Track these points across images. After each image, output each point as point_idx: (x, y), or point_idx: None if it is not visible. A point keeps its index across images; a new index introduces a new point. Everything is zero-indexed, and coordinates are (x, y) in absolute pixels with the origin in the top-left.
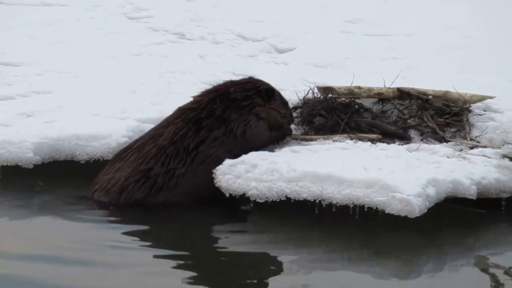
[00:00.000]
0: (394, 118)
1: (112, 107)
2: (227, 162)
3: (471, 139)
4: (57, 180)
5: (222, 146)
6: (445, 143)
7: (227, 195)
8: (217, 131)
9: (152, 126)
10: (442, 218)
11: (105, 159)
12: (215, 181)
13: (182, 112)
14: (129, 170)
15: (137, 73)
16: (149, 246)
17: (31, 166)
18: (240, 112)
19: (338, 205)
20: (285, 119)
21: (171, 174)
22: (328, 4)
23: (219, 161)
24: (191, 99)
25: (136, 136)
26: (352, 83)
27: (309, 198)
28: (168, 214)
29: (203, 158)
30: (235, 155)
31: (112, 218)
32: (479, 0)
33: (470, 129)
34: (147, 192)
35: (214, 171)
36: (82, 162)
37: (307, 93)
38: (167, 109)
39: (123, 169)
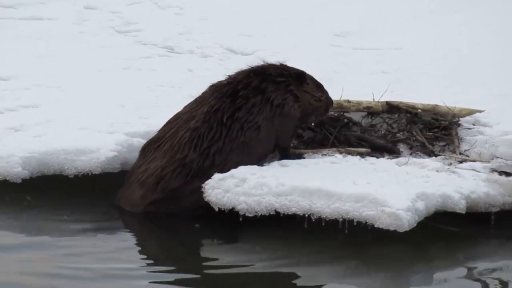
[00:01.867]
0: (383, 132)
1: (101, 121)
2: (216, 176)
3: (460, 153)
4: (45, 194)
5: (261, 114)
6: (434, 157)
7: (216, 209)
8: (254, 99)
9: (140, 140)
10: (432, 232)
11: (93, 173)
12: (204, 196)
13: (215, 89)
14: (165, 160)
15: (126, 87)
16: (135, 260)
17: (19, 181)
18: (277, 86)
19: (327, 219)
20: (321, 102)
21: (205, 155)
22: (317, 17)
23: (259, 129)
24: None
25: (125, 151)
26: (341, 96)
27: (298, 213)
28: (158, 226)
29: (241, 124)
30: (270, 129)
31: (103, 231)
32: (469, 11)
33: (459, 143)
34: (184, 180)
35: (203, 185)
36: (70, 177)
37: None
38: (156, 123)
39: (158, 159)
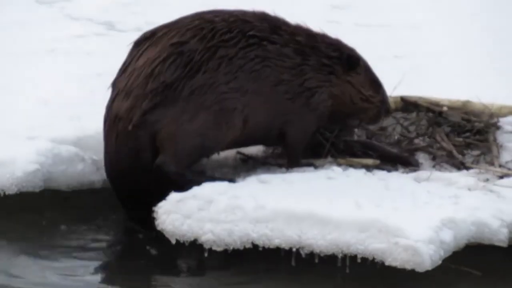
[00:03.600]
0: (396, 137)
1: (16, 123)
2: (173, 197)
3: (500, 166)
4: None
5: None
6: (465, 171)
7: (173, 241)
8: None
9: (70, 148)
10: (462, 271)
11: (6, 193)
12: (156, 223)
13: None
14: (157, 50)
15: (50, 77)
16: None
17: None
18: (319, 67)
19: (322, 254)
20: (370, 104)
21: (213, 52)
22: None
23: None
24: None
25: (49, 163)
26: None
27: (283, 246)
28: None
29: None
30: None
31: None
32: None
33: (498, 152)
34: (180, 72)
35: (155, 209)
36: None
37: None
38: (91, 126)
39: (149, 50)
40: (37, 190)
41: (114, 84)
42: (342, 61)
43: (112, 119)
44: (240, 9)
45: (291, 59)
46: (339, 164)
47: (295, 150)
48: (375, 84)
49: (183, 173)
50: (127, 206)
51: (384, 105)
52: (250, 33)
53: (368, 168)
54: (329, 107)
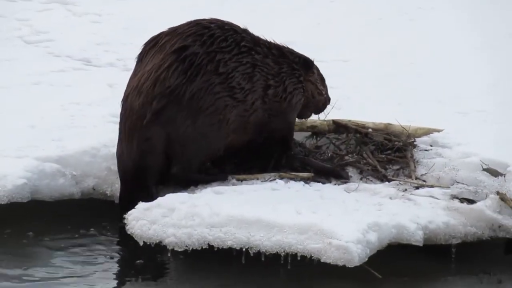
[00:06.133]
0: (330, 154)
1: (7, 144)
2: (141, 205)
3: (416, 178)
4: None
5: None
6: (387, 183)
7: (141, 243)
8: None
9: (53, 165)
10: (385, 266)
11: None
12: (126, 228)
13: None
14: (161, 56)
15: (36, 105)
16: None
17: None
18: (292, 72)
19: (267, 253)
20: (321, 96)
21: (212, 56)
22: (257, 27)
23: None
24: (99, 133)
25: (35, 178)
26: None
27: (234, 246)
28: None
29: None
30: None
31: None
32: (422, 23)
33: (415, 167)
34: (182, 78)
35: (125, 216)
36: None
37: None
38: (71, 146)
39: (155, 57)
40: (25, 200)
41: (128, 85)
42: (301, 64)
43: (127, 112)
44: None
45: (272, 68)
46: (281, 178)
47: (288, 142)
48: (323, 79)
49: (194, 175)
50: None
51: (327, 96)
52: (242, 43)
53: (306, 180)
54: (301, 104)
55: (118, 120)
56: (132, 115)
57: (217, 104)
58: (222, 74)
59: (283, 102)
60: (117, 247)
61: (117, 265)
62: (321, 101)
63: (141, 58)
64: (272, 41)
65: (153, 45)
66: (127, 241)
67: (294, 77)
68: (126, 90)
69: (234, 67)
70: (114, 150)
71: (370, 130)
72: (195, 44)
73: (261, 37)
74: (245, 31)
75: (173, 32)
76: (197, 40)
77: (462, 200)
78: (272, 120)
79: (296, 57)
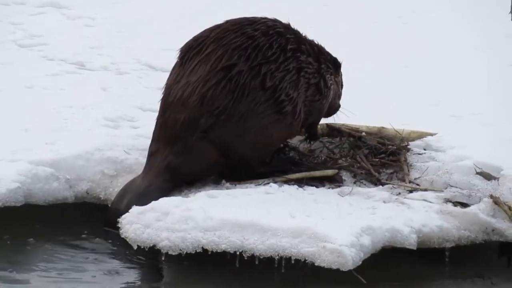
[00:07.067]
0: (323, 158)
1: (0, 147)
2: (135, 210)
3: (410, 182)
4: None
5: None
6: (381, 186)
7: (135, 247)
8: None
9: (46, 169)
10: (379, 270)
11: None
12: (120, 232)
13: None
14: (208, 69)
15: (30, 109)
16: None
17: None
18: (326, 69)
19: (261, 257)
20: (339, 100)
21: (257, 71)
22: None
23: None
24: (92, 137)
25: (29, 182)
26: None
27: (228, 250)
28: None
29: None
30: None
31: None
32: (418, 26)
33: (408, 170)
34: (230, 98)
35: (120, 220)
36: None
37: None
38: (64, 150)
39: (200, 68)
40: (18, 204)
41: (167, 90)
42: (332, 63)
43: (168, 123)
44: (264, 17)
45: (313, 66)
46: (275, 181)
47: (315, 125)
48: (343, 85)
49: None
50: None
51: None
52: (288, 47)
53: (300, 184)
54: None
55: (113, 124)
56: (176, 126)
57: (263, 123)
58: (269, 89)
59: (324, 100)
60: (110, 251)
61: (110, 269)
62: (336, 105)
63: (183, 61)
64: (307, 36)
65: (197, 51)
66: (120, 245)
67: (330, 74)
68: (165, 92)
69: (281, 77)
70: (108, 154)
71: (363, 133)
72: (240, 61)
73: (301, 32)
74: (288, 28)
75: (218, 40)
76: (242, 56)
77: (456, 203)
78: (308, 118)
79: (329, 55)
